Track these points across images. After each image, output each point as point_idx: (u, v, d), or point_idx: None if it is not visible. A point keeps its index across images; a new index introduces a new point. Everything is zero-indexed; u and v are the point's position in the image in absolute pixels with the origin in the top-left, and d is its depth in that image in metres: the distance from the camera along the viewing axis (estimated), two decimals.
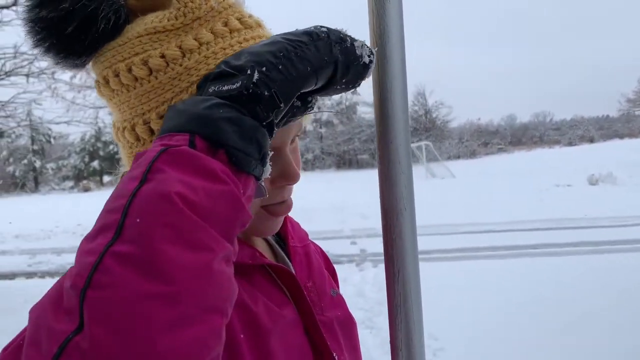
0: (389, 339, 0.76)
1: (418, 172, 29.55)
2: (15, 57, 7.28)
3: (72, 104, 9.80)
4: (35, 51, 0.76)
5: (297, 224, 1.07)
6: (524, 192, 16.53)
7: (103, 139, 43.43)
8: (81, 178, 44.56)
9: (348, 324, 0.98)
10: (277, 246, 0.99)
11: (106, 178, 43.81)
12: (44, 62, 8.04)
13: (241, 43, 0.74)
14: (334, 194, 16.34)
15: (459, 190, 18.49)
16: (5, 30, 7.01)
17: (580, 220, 10.87)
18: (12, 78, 7.72)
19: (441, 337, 4.83)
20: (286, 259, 0.96)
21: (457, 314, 5.44)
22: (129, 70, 0.73)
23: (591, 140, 62.98)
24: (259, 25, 0.79)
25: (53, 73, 8.64)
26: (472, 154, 52.30)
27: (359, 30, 0.75)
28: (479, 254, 8.63)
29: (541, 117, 78.01)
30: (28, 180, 45.33)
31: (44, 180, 46.29)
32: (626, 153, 31.02)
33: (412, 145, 34.09)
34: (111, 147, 42.19)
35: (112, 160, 41.84)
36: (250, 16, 0.79)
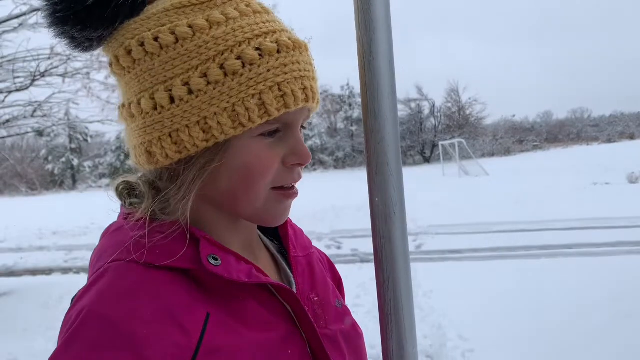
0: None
1: (451, 170, 29.25)
2: (49, 58, 7.45)
3: (107, 103, 9.99)
4: (52, 30, 0.77)
5: (301, 230, 1.03)
6: (560, 190, 16.15)
7: None
8: (117, 176, 45.47)
9: (354, 336, 0.94)
10: (279, 256, 0.95)
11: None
12: (79, 63, 8.22)
13: (265, 23, 0.77)
14: (364, 192, 16.20)
15: (493, 189, 18.20)
16: (41, 32, 7.18)
17: (619, 219, 10.55)
18: (48, 79, 7.92)
19: (471, 338, 4.76)
20: (288, 270, 0.93)
21: (488, 314, 5.35)
22: (155, 38, 0.74)
23: (631, 137, 61.23)
24: (272, 12, 0.82)
25: (88, 73, 8.82)
26: (507, 152, 51.47)
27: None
28: (512, 253, 8.47)
29: (578, 113, 76.20)
30: (66, 178, 46.60)
31: (81, 178, 47.49)
32: None
33: (445, 142, 33.81)
34: None
35: None
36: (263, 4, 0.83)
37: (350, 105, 51.67)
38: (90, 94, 9.53)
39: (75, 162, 45.96)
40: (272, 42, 0.75)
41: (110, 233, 0.80)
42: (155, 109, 0.75)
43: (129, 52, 0.76)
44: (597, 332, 4.67)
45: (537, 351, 4.44)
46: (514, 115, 68.50)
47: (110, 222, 0.85)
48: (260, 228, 0.96)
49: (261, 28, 0.76)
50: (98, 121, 9.95)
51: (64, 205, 26.13)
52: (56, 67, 7.71)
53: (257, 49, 0.74)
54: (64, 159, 45.61)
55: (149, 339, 0.64)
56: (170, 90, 0.73)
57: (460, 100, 54.46)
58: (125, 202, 0.85)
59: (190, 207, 0.76)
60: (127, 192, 0.86)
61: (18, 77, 7.61)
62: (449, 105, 54.32)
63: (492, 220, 11.51)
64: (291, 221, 0.96)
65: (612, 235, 9.12)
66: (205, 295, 0.73)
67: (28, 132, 10.88)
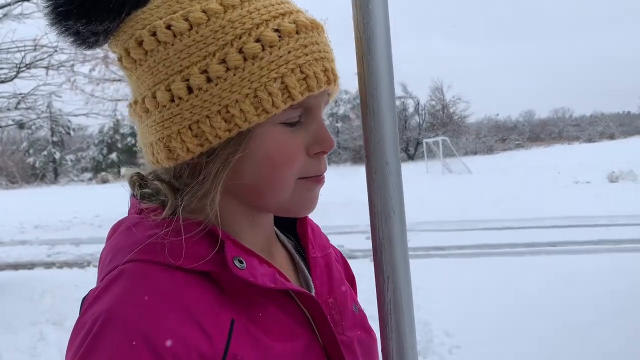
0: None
1: (434, 168, 29.38)
2: (35, 50, 7.35)
3: (91, 96, 9.90)
4: (55, 27, 0.73)
5: (318, 228, 0.99)
6: (542, 188, 16.33)
7: (121, 131, 43.80)
8: (99, 170, 45.02)
9: (369, 343, 0.91)
10: (296, 255, 0.91)
11: (124, 170, 44.31)
12: (64, 55, 8.12)
13: (279, 4, 0.73)
14: (349, 188, 16.25)
15: (476, 186, 18.34)
16: (26, 23, 7.08)
17: (600, 218, 10.71)
18: (32, 70, 7.79)
19: (457, 335, 4.80)
20: (305, 271, 0.89)
21: (473, 311, 5.40)
22: (168, 26, 0.70)
23: (611, 137, 62.15)
24: None
25: (72, 66, 8.72)
26: (490, 150, 51.84)
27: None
28: (495, 251, 8.55)
29: (560, 112, 77.24)
30: (48, 172, 45.97)
31: (63, 171, 46.91)
32: None
33: (429, 140, 33.93)
34: (129, 139, 42.57)
35: (130, 153, 42.21)
36: None
37: (335, 102, 51.62)
38: (74, 87, 9.43)
39: (57, 155, 45.37)
40: (290, 22, 0.71)
41: (125, 230, 0.74)
42: (173, 100, 0.70)
43: (140, 44, 0.72)
44: (581, 329, 4.74)
45: (522, 347, 4.49)
46: (497, 114, 69.15)
47: (121, 218, 0.79)
48: (276, 224, 0.91)
49: (277, 9, 0.72)
50: (83, 114, 9.84)
51: (46, 198, 25.79)
52: (41, 59, 7.61)
53: (276, 30, 0.70)
54: (45, 152, 44.97)
55: (173, 346, 0.61)
56: (188, 80, 0.69)
57: (444, 98, 54.69)
58: (137, 195, 0.80)
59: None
60: (139, 185, 0.82)
61: (2, 68, 7.49)
62: (433, 103, 54.52)
63: (476, 218, 11.61)
64: (310, 218, 0.92)
65: (594, 233, 9.26)
66: (227, 299, 0.70)
67: (9, 125, 10.72)
